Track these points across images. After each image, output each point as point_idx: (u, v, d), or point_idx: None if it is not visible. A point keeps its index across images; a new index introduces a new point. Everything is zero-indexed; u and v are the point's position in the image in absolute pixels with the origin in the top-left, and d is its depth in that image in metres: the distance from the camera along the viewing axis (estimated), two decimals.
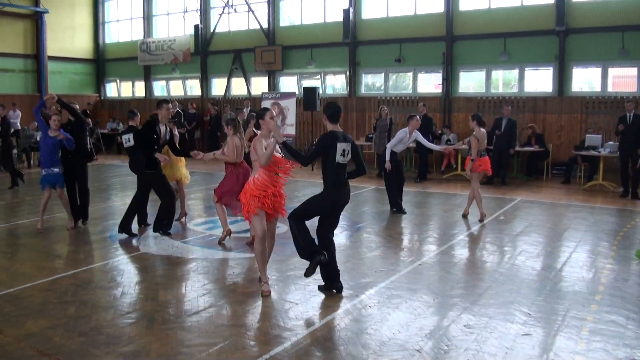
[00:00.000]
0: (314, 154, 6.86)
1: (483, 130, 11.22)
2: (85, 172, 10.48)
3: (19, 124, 21.73)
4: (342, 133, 6.78)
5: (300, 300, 6.62)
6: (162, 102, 9.69)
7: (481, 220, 11.02)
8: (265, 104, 20.19)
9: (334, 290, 6.86)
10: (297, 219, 6.72)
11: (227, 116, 22.48)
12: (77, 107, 10.76)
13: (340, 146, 6.62)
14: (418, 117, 12.12)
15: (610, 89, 17.59)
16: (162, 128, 9.56)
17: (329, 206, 6.77)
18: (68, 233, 9.99)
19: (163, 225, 9.85)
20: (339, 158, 6.62)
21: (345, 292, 6.84)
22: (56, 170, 9.94)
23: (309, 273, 6.62)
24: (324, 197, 6.75)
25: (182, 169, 10.77)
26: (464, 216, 11.40)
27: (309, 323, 5.93)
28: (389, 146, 11.80)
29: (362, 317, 6.13)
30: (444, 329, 5.76)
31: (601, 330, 5.73)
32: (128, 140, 10.11)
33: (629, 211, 12.15)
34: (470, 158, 11.10)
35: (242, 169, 9.07)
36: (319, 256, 6.58)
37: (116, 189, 15.51)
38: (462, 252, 8.87)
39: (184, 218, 10.98)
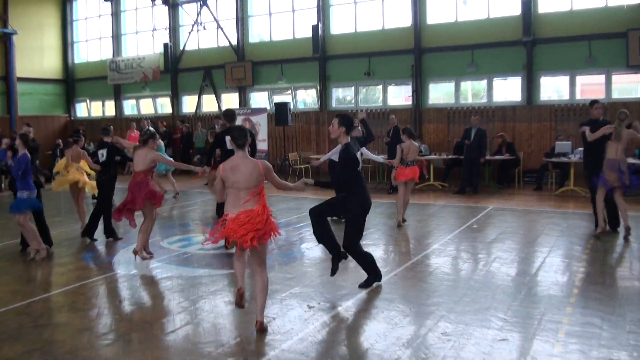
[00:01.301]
0: (347, 169, 7.15)
1: (415, 143, 11.83)
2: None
3: None
4: (353, 141, 7.26)
5: (277, 314, 6.60)
6: (232, 112, 10.49)
7: (398, 225, 11.55)
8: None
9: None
10: (354, 249, 7.45)
11: (198, 133, 22.50)
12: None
13: (358, 155, 7.22)
14: (360, 127, 12.44)
15: (578, 96, 17.90)
16: None
17: (367, 209, 7.38)
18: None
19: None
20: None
21: (322, 305, 6.84)
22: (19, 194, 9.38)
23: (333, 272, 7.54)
24: (360, 203, 7.24)
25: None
26: (399, 225, 11.60)
27: (286, 337, 5.91)
28: (326, 156, 12.22)
29: (340, 329, 6.13)
30: (421, 338, 5.78)
31: (577, 332, 5.79)
32: (102, 155, 10.73)
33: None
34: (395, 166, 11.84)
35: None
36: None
37: (89, 209, 15.31)
38: (436, 261, 8.92)
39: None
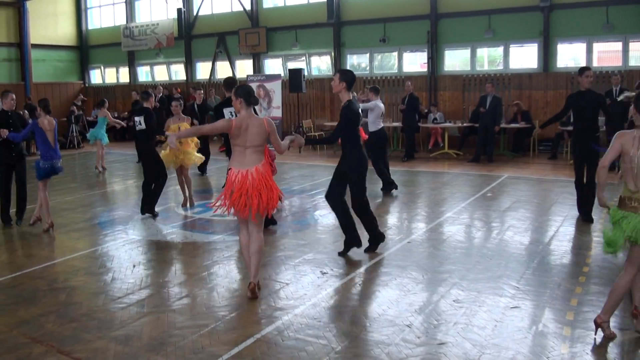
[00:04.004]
0: (341, 129, 7.10)
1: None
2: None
3: None
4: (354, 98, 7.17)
5: (290, 280, 6.65)
6: (234, 80, 9.17)
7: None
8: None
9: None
10: (361, 208, 7.43)
11: (212, 100, 22.46)
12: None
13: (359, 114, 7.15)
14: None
15: (595, 63, 17.60)
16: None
17: (366, 167, 7.30)
18: (57, 221, 9.78)
19: (153, 207, 10.05)
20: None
21: (335, 271, 6.87)
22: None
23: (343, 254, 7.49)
24: (358, 161, 7.18)
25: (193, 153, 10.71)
26: None
27: (299, 302, 5.96)
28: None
29: (352, 295, 6.17)
30: (433, 304, 5.81)
31: (589, 301, 5.79)
32: (139, 122, 9.92)
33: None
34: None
35: None
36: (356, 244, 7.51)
37: (101, 176, 15.44)
38: (450, 229, 8.92)
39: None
